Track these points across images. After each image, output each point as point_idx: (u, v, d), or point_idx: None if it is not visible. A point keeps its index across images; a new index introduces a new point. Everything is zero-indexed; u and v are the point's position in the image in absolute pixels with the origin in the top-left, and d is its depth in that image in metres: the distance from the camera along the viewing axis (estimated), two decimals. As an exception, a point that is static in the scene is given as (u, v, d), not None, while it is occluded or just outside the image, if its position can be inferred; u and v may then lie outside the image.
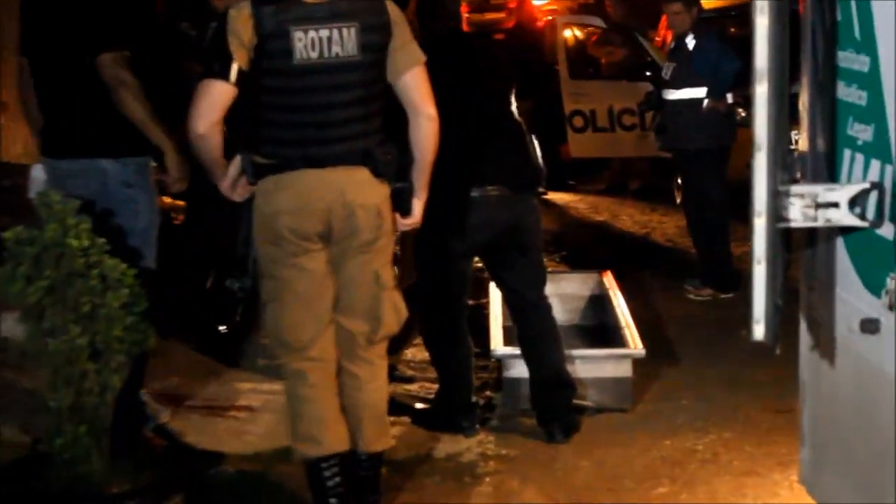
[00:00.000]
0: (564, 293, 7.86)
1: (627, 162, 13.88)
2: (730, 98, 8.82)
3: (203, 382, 6.74)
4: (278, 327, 4.95)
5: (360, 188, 4.83)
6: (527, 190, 6.21)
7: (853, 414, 3.79)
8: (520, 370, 6.44)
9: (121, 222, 5.39)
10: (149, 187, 5.56)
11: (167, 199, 8.75)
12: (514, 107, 6.18)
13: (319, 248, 4.87)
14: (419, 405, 6.63)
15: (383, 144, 4.88)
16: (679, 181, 11.08)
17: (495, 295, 7.36)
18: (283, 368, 5.02)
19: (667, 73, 9.17)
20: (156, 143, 5.42)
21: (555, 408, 6.25)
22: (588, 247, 11.02)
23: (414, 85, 4.88)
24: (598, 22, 14.31)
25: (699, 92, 8.84)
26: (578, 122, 13.66)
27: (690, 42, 8.93)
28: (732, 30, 12.99)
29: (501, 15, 17.18)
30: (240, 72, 4.69)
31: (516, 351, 6.45)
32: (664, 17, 11.06)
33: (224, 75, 4.69)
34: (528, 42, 13.77)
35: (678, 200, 11.24)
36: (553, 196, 13.26)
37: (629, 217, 12.32)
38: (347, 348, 4.99)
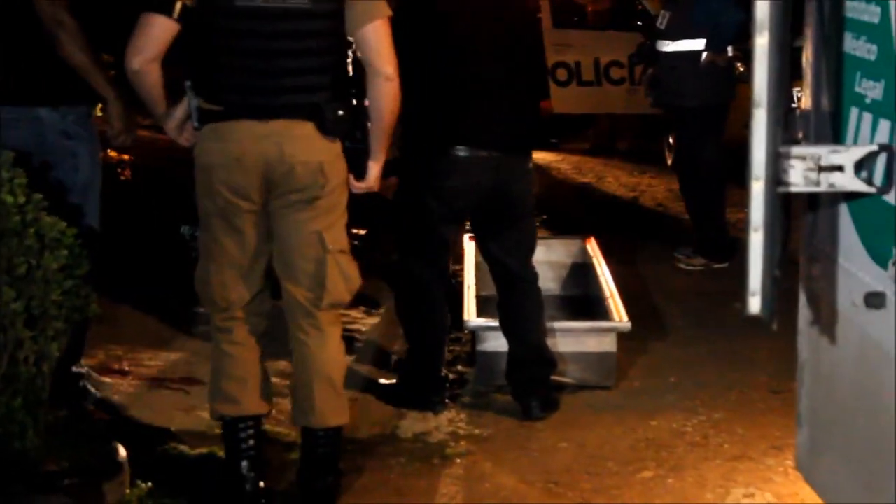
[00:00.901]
0: (545, 260, 7.84)
1: (615, 119, 13.88)
2: (730, 52, 8.79)
3: (149, 352, 6.71)
4: (207, 284, 5.04)
5: (302, 144, 4.81)
6: (519, 153, 6.18)
7: (854, 395, 3.79)
8: (495, 343, 6.44)
9: (60, 176, 5.36)
10: (91, 139, 5.52)
11: (113, 153, 8.74)
12: (516, 62, 6.12)
13: (257, 208, 4.88)
14: (383, 380, 6.62)
15: (336, 100, 4.84)
16: (671, 141, 11.09)
17: (469, 262, 7.36)
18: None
19: (662, 22, 9.10)
20: (98, 90, 5.38)
21: (533, 382, 6.25)
22: (571, 211, 11.02)
23: (371, 41, 4.82)
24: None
25: (697, 44, 8.79)
26: (562, 74, 13.65)
27: (690, -10, 8.88)
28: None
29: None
30: (184, 7, 4.67)
31: (491, 322, 6.44)
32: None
33: (164, 9, 4.68)
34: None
35: (669, 162, 11.27)
36: (534, 155, 13.21)
37: (616, 179, 12.33)
38: (293, 314, 5.04)
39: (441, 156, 6.00)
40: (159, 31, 4.73)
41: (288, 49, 4.78)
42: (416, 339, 6.37)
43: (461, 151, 5.98)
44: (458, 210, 6.18)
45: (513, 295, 6.29)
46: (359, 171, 4.99)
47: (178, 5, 4.69)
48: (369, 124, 4.91)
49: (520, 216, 6.24)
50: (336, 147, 4.88)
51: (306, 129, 4.81)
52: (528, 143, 6.27)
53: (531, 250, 6.38)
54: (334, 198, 4.92)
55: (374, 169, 5.00)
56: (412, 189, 6.11)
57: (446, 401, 6.30)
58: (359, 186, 5.03)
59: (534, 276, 6.35)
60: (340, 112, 4.84)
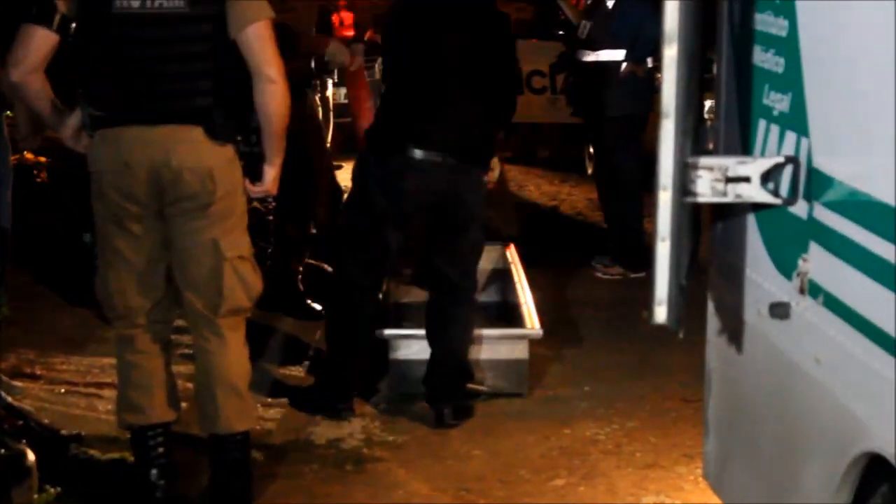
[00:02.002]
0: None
1: (536, 128, 13.90)
2: (649, 63, 8.84)
3: (61, 356, 6.66)
4: (106, 290, 5.02)
5: (190, 149, 4.79)
6: (474, 161, 6.17)
7: (760, 404, 3.82)
8: (407, 351, 6.46)
9: (-31, 178, 5.31)
10: (1, 140, 5.46)
11: (29, 155, 8.67)
12: (479, 74, 6.11)
13: (151, 212, 4.86)
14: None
15: (224, 104, 4.82)
16: (591, 150, 11.14)
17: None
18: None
19: (583, 32, 9.15)
20: (7, 95, 5.34)
21: (448, 390, 6.26)
22: (491, 218, 11.02)
23: (252, 43, 4.79)
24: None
25: (617, 54, 8.85)
26: (538, 83, 13.61)
27: (610, 1, 8.93)
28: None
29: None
30: (63, 17, 4.66)
31: (404, 332, 6.45)
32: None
33: (43, 20, 4.68)
34: None
35: (589, 171, 11.31)
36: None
37: (536, 188, 12.37)
38: (193, 322, 5.03)
39: (396, 157, 5.99)
40: (38, 42, 4.73)
41: (168, 54, 4.75)
42: (334, 344, 6.35)
43: (417, 154, 5.97)
44: (407, 213, 6.16)
45: (445, 303, 6.28)
46: (252, 175, 4.96)
47: (57, 16, 4.68)
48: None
49: (468, 226, 6.23)
50: (227, 152, 4.85)
51: (194, 134, 4.78)
52: (483, 152, 6.23)
53: (475, 261, 6.38)
54: (227, 203, 4.89)
55: (270, 173, 4.97)
56: (364, 188, 6.10)
57: (352, 408, 6.27)
58: (255, 191, 5.01)
59: (471, 288, 6.35)
60: (228, 116, 4.82)
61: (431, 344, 6.30)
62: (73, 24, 4.75)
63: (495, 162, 6.37)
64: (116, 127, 4.78)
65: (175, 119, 4.77)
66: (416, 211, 6.16)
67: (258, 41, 4.79)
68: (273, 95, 4.82)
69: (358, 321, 6.25)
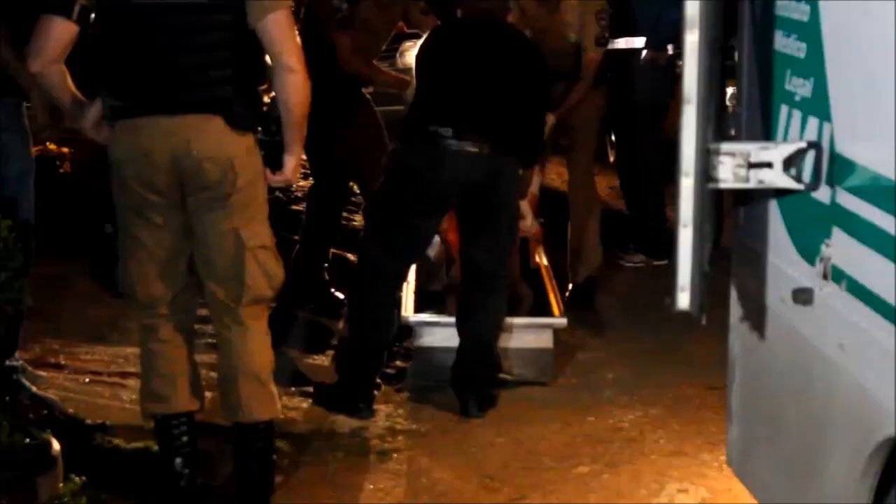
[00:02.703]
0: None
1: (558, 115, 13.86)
2: (670, 50, 8.82)
3: (85, 346, 6.68)
4: (129, 281, 5.01)
5: (210, 139, 4.78)
6: (508, 154, 6.16)
7: (783, 390, 3.82)
8: (432, 339, 6.46)
9: (-8, 169, 5.33)
10: (22, 131, 5.49)
11: (52, 146, 8.69)
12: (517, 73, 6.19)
13: (172, 202, 4.85)
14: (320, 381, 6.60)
15: (244, 94, 4.82)
16: (613, 138, 11.10)
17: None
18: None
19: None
20: (22, 85, 5.35)
21: (474, 380, 6.27)
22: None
23: (271, 32, 4.77)
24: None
25: (638, 41, 8.83)
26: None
27: (629, -12, 8.91)
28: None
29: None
30: (82, 8, 4.66)
31: (429, 318, 6.45)
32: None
33: (62, 11, 4.68)
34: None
35: (611, 159, 11.28)
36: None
37: (558, 175, 12.28)
38: (215, 311, 5.02)
39: (432, 146, 6.00)
40: (58, 32, 4.72)
41: (188, 43, 4.74)
42: (357, 339, 6.34)
43: (453, 143, 5.97)
44: (441, 204, 6.18)
45: (477, 292, 6.27)
46: (272, 164, 4.96)
47: (77, 6, 4.68)
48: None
49: (501, 216, 6.23)
50: (247, 141, 4.85)
51: (215, 123, 4.77)
52: (520, 147, 6.23)
53: (508, 251, 6.38)
54: (248, 193, 4.88)
55: (290, 162, 4.96)
56: (397, 177, 6.11)
57: (373, 407, 6.23)
58: (275, 180, 5.01)
59: (503, 277, 6.34)
60: (248, 106, 4.82)
61: (461, 333, 6.29)
62: (93, 14, 4.75)
63: (526, 206, 6.50)
64: (136, 117, 4.79)
65: (195, 109, 4.76)
66: (452, 200, 6.16)
67: (278, 30, 4.78)
68: (293, 85, 4.81)
69: (381, 312, 6.24)
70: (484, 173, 6.04)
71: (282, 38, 4.78)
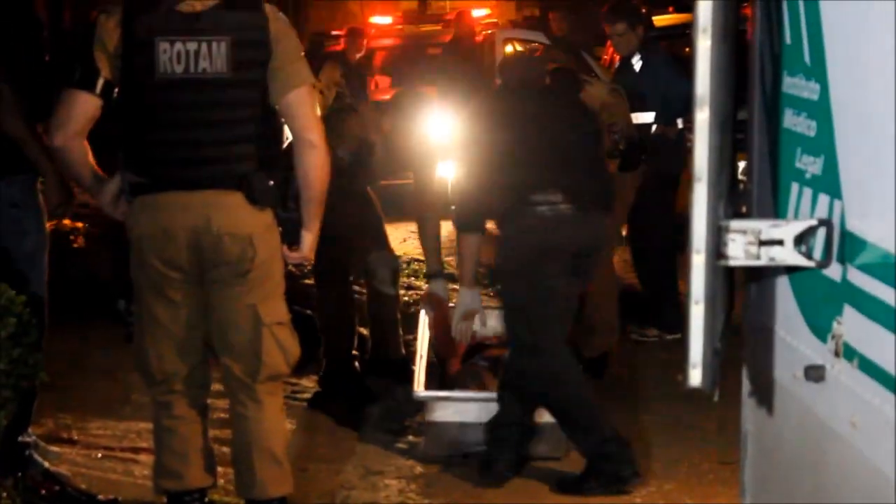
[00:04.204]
0: (497, 330, 7.85)
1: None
2: (679, 124, 8.86)
3: (98, 421, 6.68)
4: (143, 356, 5.03)
5: (230, 214, 4.81)
6: (597, 208, 6.23)
7: (796, 467, 3.80)
8: (443, 413, 6.44)
9: (6, 244, 5.35)
10: (36, 207, 5.52)
11: (67, 221, 8.73)
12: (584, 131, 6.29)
13: (192, 279, 4.87)
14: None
15: (264, 169, 4.85)
16: (625, 211, 11.12)
17: (423, 332, 7.37)
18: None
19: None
20: (35, 163, 5.39)
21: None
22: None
23: (294, 108, 4.84)
24: (541, 38, 14.35)
25: (647, 116, 8.87)
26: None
27: (637, 63, 8.96)
28: (686, 49, 13.07)
29: (438, 27, 17.24)
30: (106, 82, 4.70)
31: (440, 393, 6.45)
32: (610, 38, 11.08)
33: (86, 85, 4.71)
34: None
35: (624, 232, 11.29)
36: (491, 225, 13.26)
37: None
38: (231, 387, 5.03)
39: (548, 212, 6.07)
40: (81, 106, 4.76)
41: (210, 119, 4.78)
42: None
43: (565, 209, 6.02)
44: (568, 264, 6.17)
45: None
46: (290, 240, 4.98)
47: (100, 81, 4.72)
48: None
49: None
50: (266, 217, 4.88)
51: (235, 199, 4.81)
52: (602, 198, 6.28)
53: None
54: (266, 269, 4.91)
55: (308, 238, 4.99)
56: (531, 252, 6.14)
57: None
58: (293, 257, 5.03)
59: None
60: (269, 181, 4.85)
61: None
62: (116, 89, 4.79)
63: None
64: (156, 193, 4.81)
65: (215, 184, 4.80)
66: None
67: (300, 106, 4.84)
68: (315, 159, 4.86)
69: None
70: (593, 233, 6.18)
71: (304, 114, 4.84)
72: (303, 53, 4.94)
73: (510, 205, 6.13)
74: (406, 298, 9.84)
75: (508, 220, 6.19)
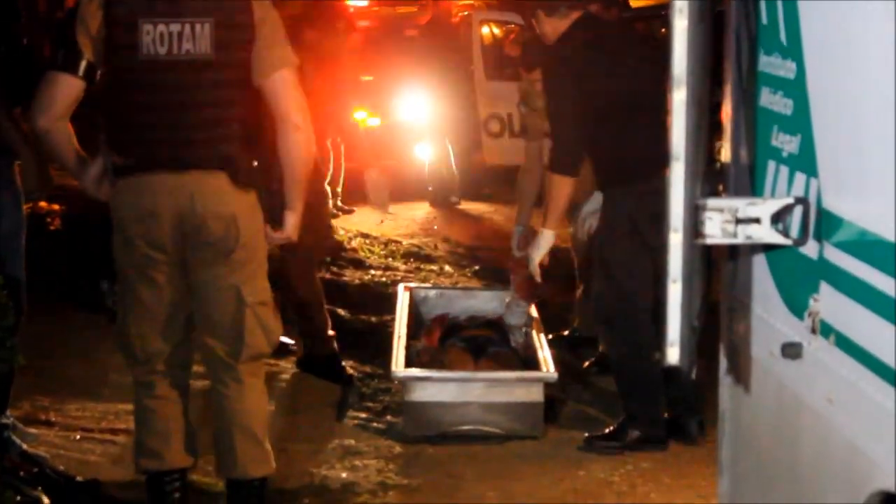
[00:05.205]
0: (476, 310, 7.89)
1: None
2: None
3: (76, 403, 6.68)
4: (126, 336, 5.03)
5: (214, 195, 4.82)
6: None
7: (773, 445, 3.82)
8: (422, 393, 6.46)
9: (-19, 227, 5.35)
10: (13, 189, 5.52)
11: (43, 203, 8.72)
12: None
13: (175, 259, 4.87)
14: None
15: (248, 150, 4.85)
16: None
17: (402, 312, 7.39)
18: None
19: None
20: (11, 147, 5.38)
21: None
22: (504, 262, 11.03)
23: (277, 90, 4.84)
24: (518, 19, 14.36)
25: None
26: (495, 127, 13.72)
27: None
28: (663, 31, 13.08)
29: (414, 9, 17.21)
30: (89, 64, 4.69)
31: (419, 373, 6.46)
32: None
33: (69, 67, 4.70)
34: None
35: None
36: (467, 206, 13.30)
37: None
38: (212, 367, 5.04)
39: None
40: (64, 89, 4.75)
41: (194, 100, 4.78)
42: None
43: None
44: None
45: None
46: (273, 221, 4.99)
47: (83, 63, 4.71)
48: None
49: None
50: (250, 198, 4.88)
51: (219, 180, 4.81)
52: None
53: None
54: (249, 250, 4.91)
55: (291, 219, 4.99)
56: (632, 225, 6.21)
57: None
58: (276, 237, 5.04)
59: None
60: (253, 162, 4.85)
61: None
62: (99, 71, 4.79)
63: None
64: (140, 174, 4.81)
65: (199, 165, 4.80)
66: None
67: (284, 88, 4.84)
68: (298, 142, 4.86)
69: (651, 352, 6.26)
70: None
71: (288, 95, 4.84)
72: (286, 35, 4.94)
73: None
74: (384, 279, 9.86)
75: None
